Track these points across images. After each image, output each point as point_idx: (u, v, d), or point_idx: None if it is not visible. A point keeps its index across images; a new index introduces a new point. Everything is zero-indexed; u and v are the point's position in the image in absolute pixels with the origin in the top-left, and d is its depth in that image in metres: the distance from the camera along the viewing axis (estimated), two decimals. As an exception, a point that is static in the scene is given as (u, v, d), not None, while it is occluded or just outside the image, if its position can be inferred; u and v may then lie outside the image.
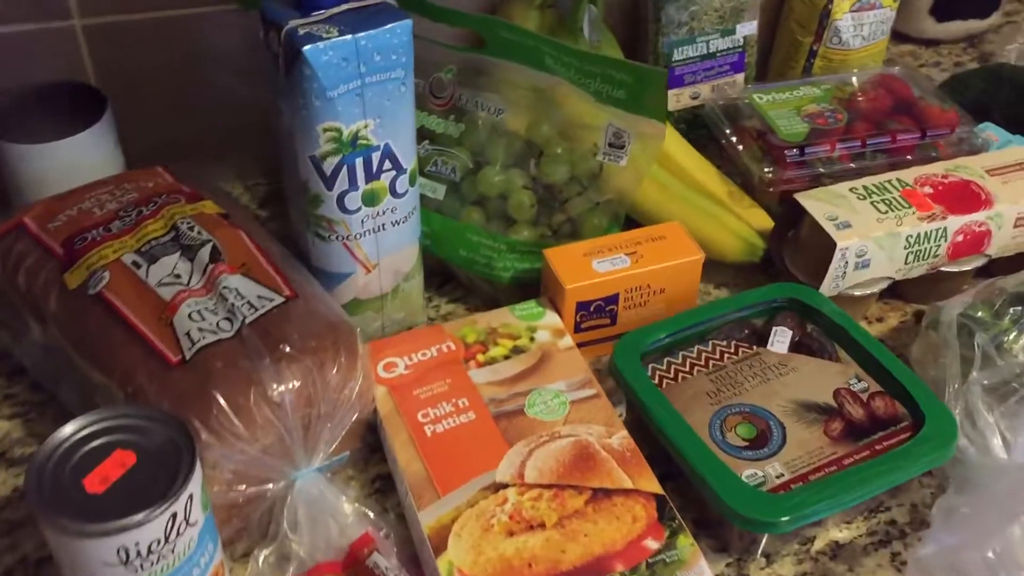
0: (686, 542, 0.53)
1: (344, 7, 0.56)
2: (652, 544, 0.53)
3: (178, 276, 0.58)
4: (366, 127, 0.58)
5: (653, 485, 0.56)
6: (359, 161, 0.59)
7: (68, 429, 0.48)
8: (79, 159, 0.70)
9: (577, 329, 0.67)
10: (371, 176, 0.61)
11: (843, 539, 0.59)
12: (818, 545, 0.58)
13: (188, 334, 0.54)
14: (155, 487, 0.46)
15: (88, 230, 0.61)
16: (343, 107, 0.56)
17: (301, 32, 0.54)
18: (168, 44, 0.77)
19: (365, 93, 0.57)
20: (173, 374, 0.53)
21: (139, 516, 0.45)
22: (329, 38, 0.54)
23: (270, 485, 0.54)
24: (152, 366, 0.54)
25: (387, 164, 0.61)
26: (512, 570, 0.51)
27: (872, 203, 0.70)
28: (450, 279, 0.75)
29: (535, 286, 0.70)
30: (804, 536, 0.59)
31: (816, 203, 0.70)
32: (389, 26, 0.56)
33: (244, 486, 0.53)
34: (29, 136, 0.69)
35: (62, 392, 0.63)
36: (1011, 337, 0.63)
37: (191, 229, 0.60)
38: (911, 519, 0.60)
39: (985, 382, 0.60)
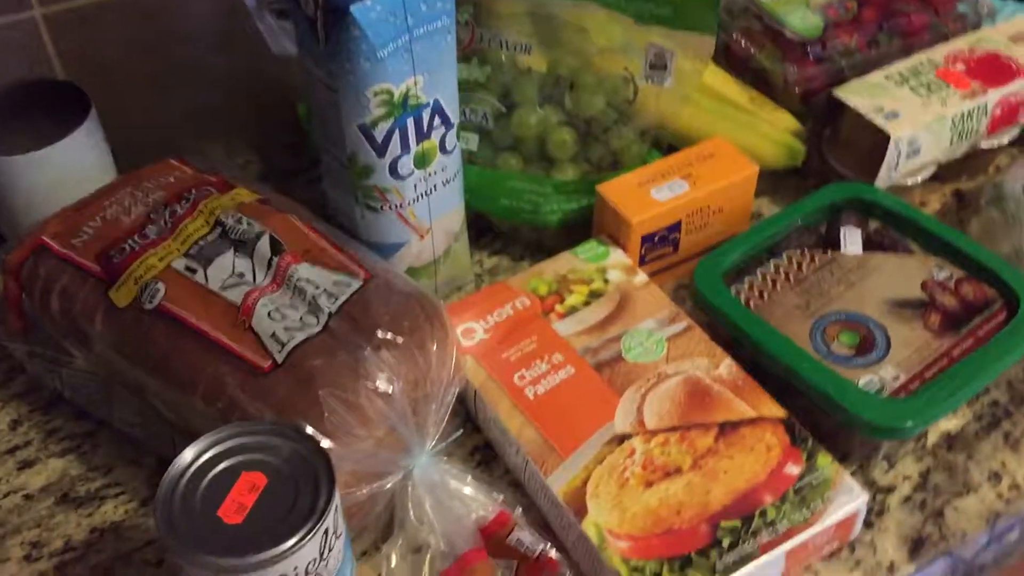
0: (826, 461, 0.52)
1: (378, -44, 0.51)
2: (794, 469, 0.52)
3: (241, 275, 0.53)
4: (416, 84, 0.54)
5: (776, 409, 0.54)
6: (410, 122, 0.55)
7: (186, 458, 0.44)
8: (71, 164, 0.64)
9: (642, 262, 0.65)
10: (422, 136, 0.56)
11: (953, 429, 0.59)
12: (932, 439, 0.58)
13: (274, 335, 0.50)
14: (299, 505, 0.43)
15: (122, 240, 0.55)
16: (393, 66, 0.52)
17: (342, -11, 0.49)
18: (134, 25, 0.70)
19: (413, 48, 0.52)
20: (268, 380, 0.49)
21: (296, 539, 0.41)
22: (374, -8, 0.49)
23: (389, 478, 0.51)
24: (241, 376, 0.50)
25: (436, 121, 0.56)
26: (662, 520, 0.50)
27: (911, 88, 0.68)
28: (485, 231, 0.72)
29: (582, 226, 0.67)
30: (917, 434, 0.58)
31: (858, 97, 0.68)
32: (432, -30, 0.51)
33: (363, 484, 0.50)
34: (2, 147, 0.62)
35: (117, 418, 0.58)
36: (1072, 203, 0.63)
37: (239, 222, 0.55)
38: (1011, 397, 0.60)
39: (1065, 251, 0.60)
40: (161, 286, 0.52)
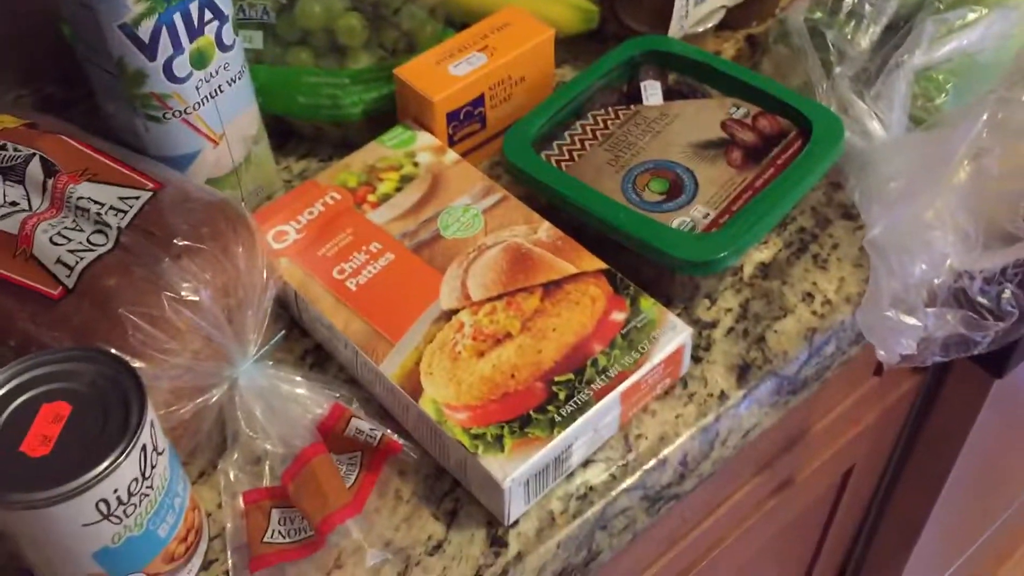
0: (648, 303, 0.53)
1: None
2: (619, 316, 0.53)
3: (14, 203, 0.49)
4: (175, -26, 0.50)
5: (595, 263, 0.55)
6: (178, 17, 0.51)
7: (-25, 400, 0.41)
8: None
9: (451, 143, 0.64)
10: (195, 33, 0.53)
11: (766, 259, 0.61)
12: (748, 271, 0.60)
13: (60, 260, 0.47)
14: (109, 428, 0.40)
15: None
16: (145, -46, 0.48)
17: None
18: None
19: (166, -69, 0.48)
20: (61, 308, 0.46)
21: (108, 461, 0.39)
22: None
23: (214, 391, 0.49)
24: (31, 308, 0.46)
25: (207, 15, 0.53)
26: (497, 386, 0.50)
27: (691, -64, 0.69)
28: (289, 136, 0.69)
29: (388, 114, 0.65)
30: (732, 268, 0.60)
31: (641, -50, 0.68)
32: None
33: (186, 400, 0.48)
34: None
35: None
36: (850, 28, 0.65)
37: (3, 148, 0.51)
38: (815, 221, 0.63)
39: (849, 75, 0.62)
40: (-76, 227, 0.48)
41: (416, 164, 0.60)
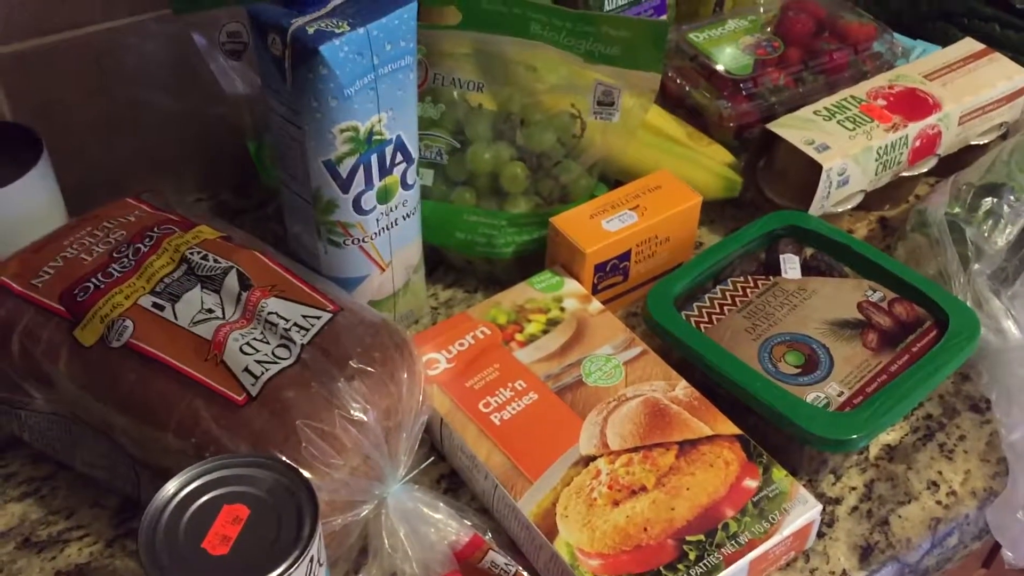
0: (781, 474, 0.55)
1: (341, -3, 0.53)
2: (751, 483, 0.54)
3: (210, 311, 0.53)
4: (380, 121, 0.55)
5: (730, 427, 0.57)
6: (374, 158, 0.57)
7: (168, 491, 0.44)
8: (24, 206, 0.64)
9: (594, 291, 0.67)
10: (385, 172, 0.58)
11: (892, 441, 0.62)
12: (874, 452, 0.62)
13: (247, 369, 0.51)
14: (283, 535, 0.43)
15: (85, 279, 0.55)
16: (359, 104, 0.53)
17: (310, 30, 0.51)
18: (84, 66, 0.70)
19: (378, 86, 0.54)
20: (243, 413, 0.50)
21: (283, 567, 0.42)
22: (342, 32, 0.51)
23: (364, 507, 0.52)
24: (216, 410, 0.50)
25: (398, 157, 0.58)
26: (630, 538, 0.52)
27: (839, 122, 0.73)
28: (439, 265, 0.74)
29: (534, 257, 0.70)
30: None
31: (791, 131, 0.72)
32: (397, 12, 0.53)
33: (338, 513, 0.51)
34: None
35: (80, 459, 0.57)
36: (988, 226, 0.68)
37: (204, 259, 0.56)
38: (943, 410, 0.64)
39: (987, 272, 0.64)
40: (129, 323, 0.53)
41: (562, 309, 0.64)
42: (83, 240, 0.58)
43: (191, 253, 0.56)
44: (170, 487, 0.44)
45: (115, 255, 0.56)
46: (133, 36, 0.70)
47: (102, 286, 0.55)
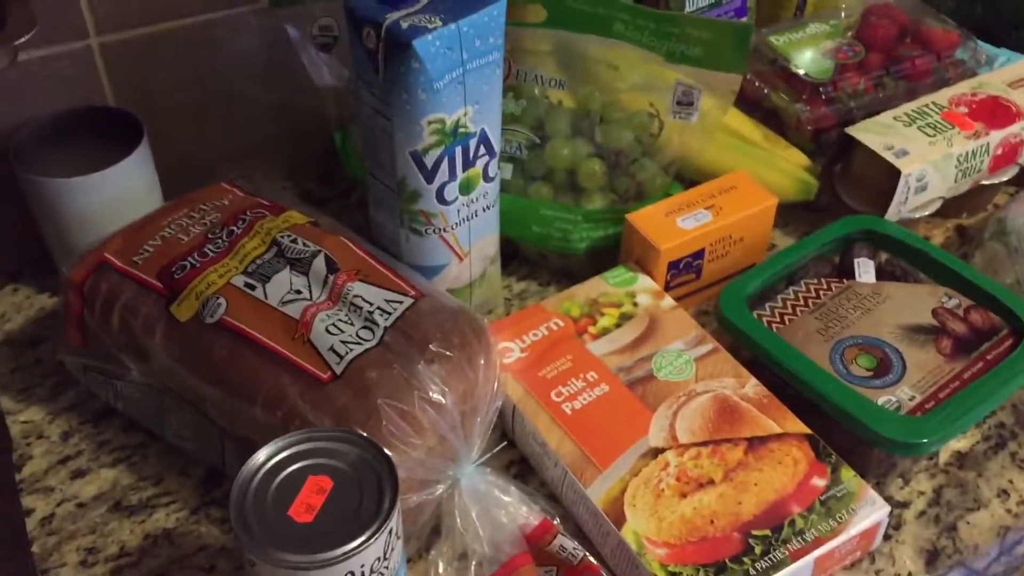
0: (849, 475, 0.55)
1: (434, -7, 0.55)
2: (819, 482, 0.55)
3: (299, 292, 0.56)
4: (465, 115, 0.57)
5: (799, 426, 0.58)
6: (458, 150, 0.58)
7: (258, 459, 0.46)
8: (124, 187, 0.67)
9: (667, 288, 0.68)
10: (468, 164, 0.60)
11: (963, 448, 0.62)
12: (944, 458, 0.62)
13: (332, 348, 0.53)
14: (364, 507, 0.45)
15: (182, 258, 0.58)
16: (447, 97, 0.55)
17: (404, 25, 0.53)
18: (183, 56, 0.73)
19: (466, 80, 0.56)
20: (328, 391, 0.52)
21: (364, 537, 0.44)
22: (434, 28, 0.53)
23: (438, 486, 0.53)
24: (301, 386, 0.52)
25: (481, 150, 0.60)
26: (696, 529, 0.53)
27: (919, 128, 0.73)
28: (513, 257, 0.75)
29: (607, 253, 0.71)
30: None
31: (869, 135, 0.72)
32: (487, 8, 0.55)
33: (413, 492, 0.53)
34: (54, 169, 0.65)
35: (168, 430, 0.60)
36: (1070, 237, 0.67)
37: (294, 242, 0.58)
38: (1016, 419, 0.64)
39: (1067, 282, 0.64)
40: (223, 301, 0.55)
41: (635, 304, 0.65)
42: (180, 221, 0.61)
43: (281, 236, 0.58)
44: (260, 456, 0.47)
45: (210, 236, 0.59)
46: (229, 28, 0.73)
47: (197, 265, 0.57)
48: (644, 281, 0.67)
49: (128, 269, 0.58)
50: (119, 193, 0.67)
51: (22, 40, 0.41)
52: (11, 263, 0.74)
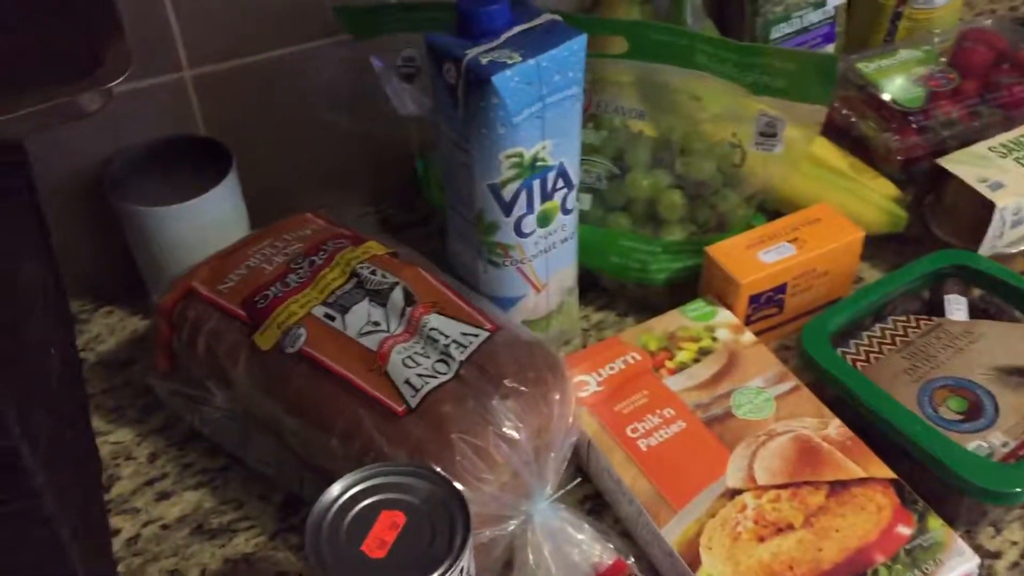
0: (937, 524, 0.53)
1: (515, 29, 0.55)
2: (905, 530, 0.53)
3: (376, 323, 0.56)
4: (544, 148, 0.57)
5: (884, 471, 0.56)
6: (536, 183, 0.58)
7: (332, 493, 0.47)
8: (213, 215, 0.69)
9: (747, 322, 0.67)
10: (546, 197, 0.60)
11: (1061, 497, 0.59)
12: (1039, 507, 0.59)
13: (408, 381, 0.53)
14: (436, 543, 0.45)
15: (265, 288, 0.59)
16: (525, 131, 0.55)
17: (484, 61, 0.53)
18: (271, 86, 0.75)
19: (545, 114, 0.56)
20: (402, 424, 0.52)
21: (438, 573, 0.44)
22: (513, 63, 0.53)
23: (511, 523, 0.53)
24: (376, 418, 0.53)
25: (560, 183, 0.60)
26: (774, 575, 0.51)
27: (1016, 159, 0.70)
28: (591, 287, 0.75)
29: (686, 285, 0.70)
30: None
31: (962, 167, 0.70)
32: (566, 43, 0.55)
33: (486, 527, 0.52)
34: (147, 197, 0.67)
35: (251, 455, 0.62)
36: None
37: (373, 274, 0.59)
38: (1119, 468, 0.61)
39: None
40: (303, 331, 0.56)
41: (715, 339, 0.64)
42: (264, 251, 0.62)
43: (361, 268, 0.59)
44: (335, 489, 0.47)
45: (292, 266, 0.60)
46: (315, 59, 0.75)
47: (280, 295, 0.58)
48: (724, 315, 0.66)
49: (214, 298, 0.60)
50: (208, 221, 0.68)
51: (117, 82, 0.42)
52: (109, 288, 0.77)
